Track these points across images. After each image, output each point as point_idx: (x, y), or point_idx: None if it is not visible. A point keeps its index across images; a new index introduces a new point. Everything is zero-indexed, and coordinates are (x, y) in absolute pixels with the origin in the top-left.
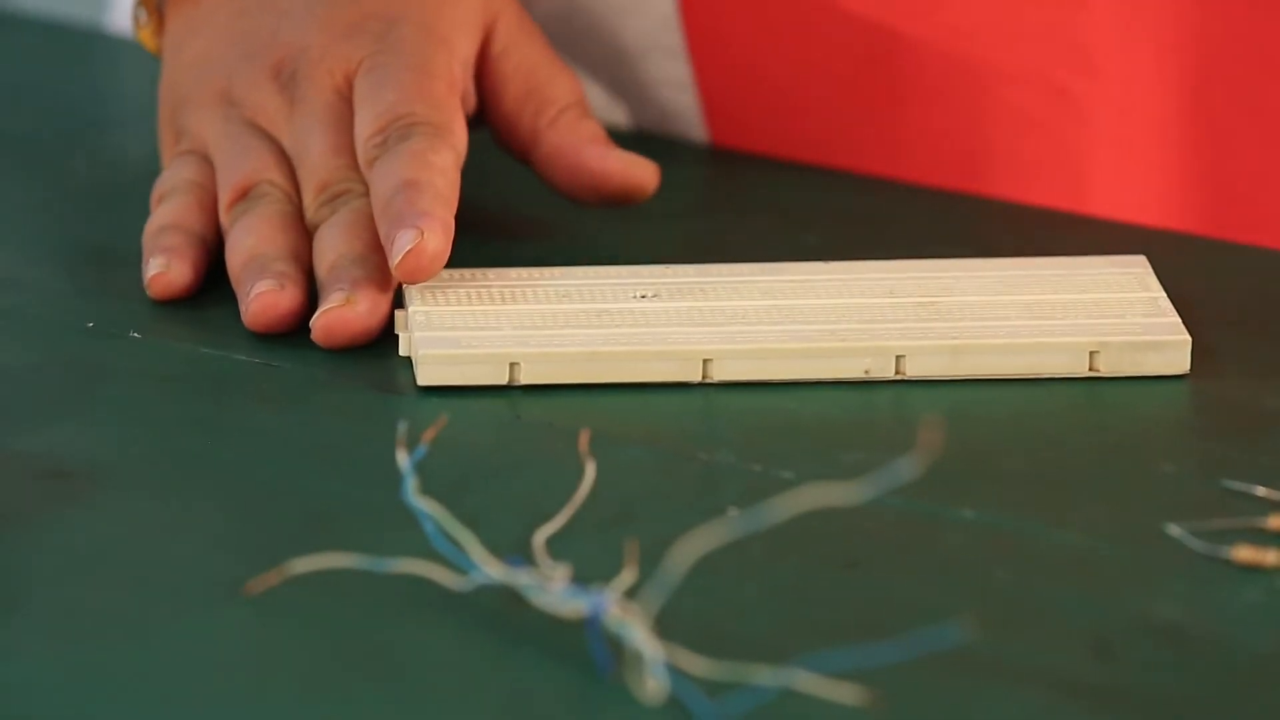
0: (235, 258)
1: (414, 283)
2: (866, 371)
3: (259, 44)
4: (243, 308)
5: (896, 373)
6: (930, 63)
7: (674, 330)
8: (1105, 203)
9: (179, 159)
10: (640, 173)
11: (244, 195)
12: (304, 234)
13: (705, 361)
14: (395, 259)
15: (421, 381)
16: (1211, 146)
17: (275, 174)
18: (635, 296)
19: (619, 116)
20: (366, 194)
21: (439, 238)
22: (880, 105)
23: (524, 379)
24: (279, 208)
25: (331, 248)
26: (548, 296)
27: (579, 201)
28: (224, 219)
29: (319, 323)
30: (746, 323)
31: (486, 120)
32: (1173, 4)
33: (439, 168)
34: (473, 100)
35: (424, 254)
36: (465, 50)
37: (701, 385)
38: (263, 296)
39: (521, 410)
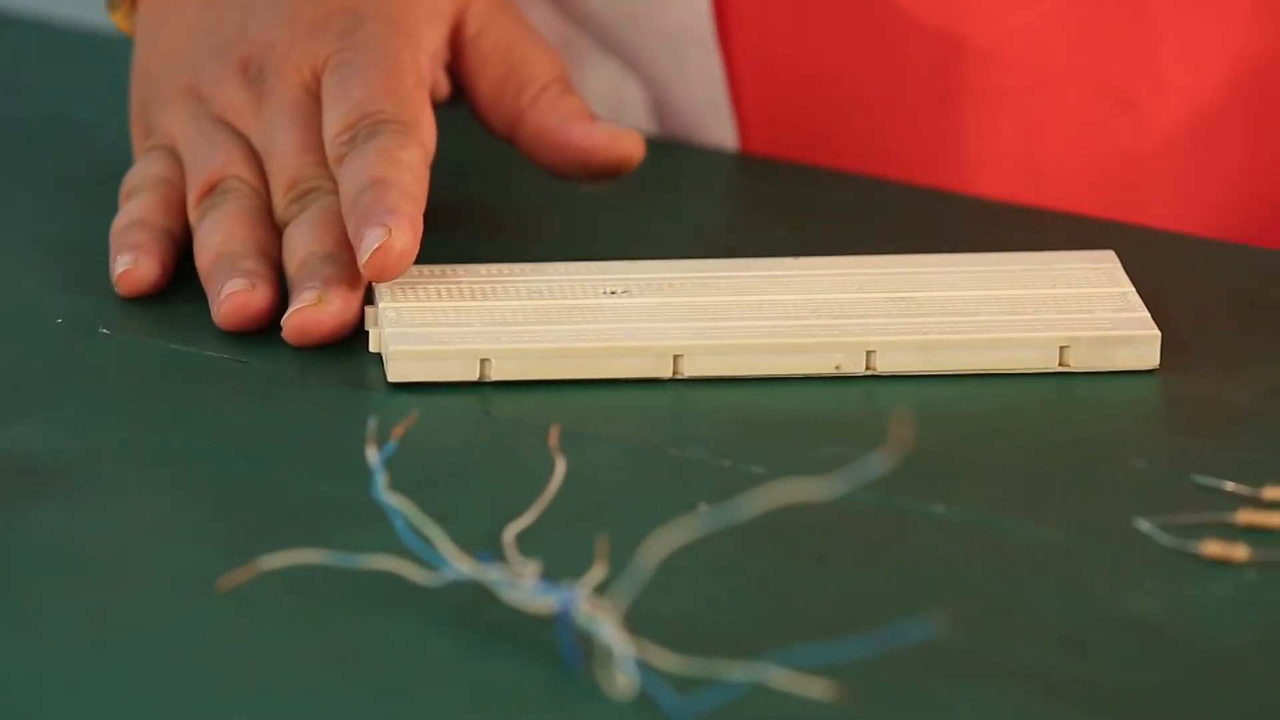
0: (204, 255)
1: (382, 280)
2: (837, 367)
3: (226, 39)
4: (214, 307)
5: (867, 368)
6: (987, 68)
7: (645, 326)
8: (1160, 214)
9: (148, 154)
10: (627, 144)
11: (211, 190)
12: (273, 229)
13: (676, 357)
14: (363, 257)
15: (392, 378)
16: (1272, 159)
17: (243, 170)
18: (606, 293)
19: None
20: (336, 191)
21: (407, 235)
22: (931, 112)
23: (495, 375)
24: (247, 203)
25: (302, 245)
26: (518, 293)
27: (566, 178)
28: (192, 215)
29: (291, 322)
30: (717, 318)
31: (469, 102)
32: (1236, 16)
33: (406, 165)
34: (444, 89)
35: (391, 252)
36: (432, 42)
37: (672, 381)
38: (234, 296)
39: (492, 406)
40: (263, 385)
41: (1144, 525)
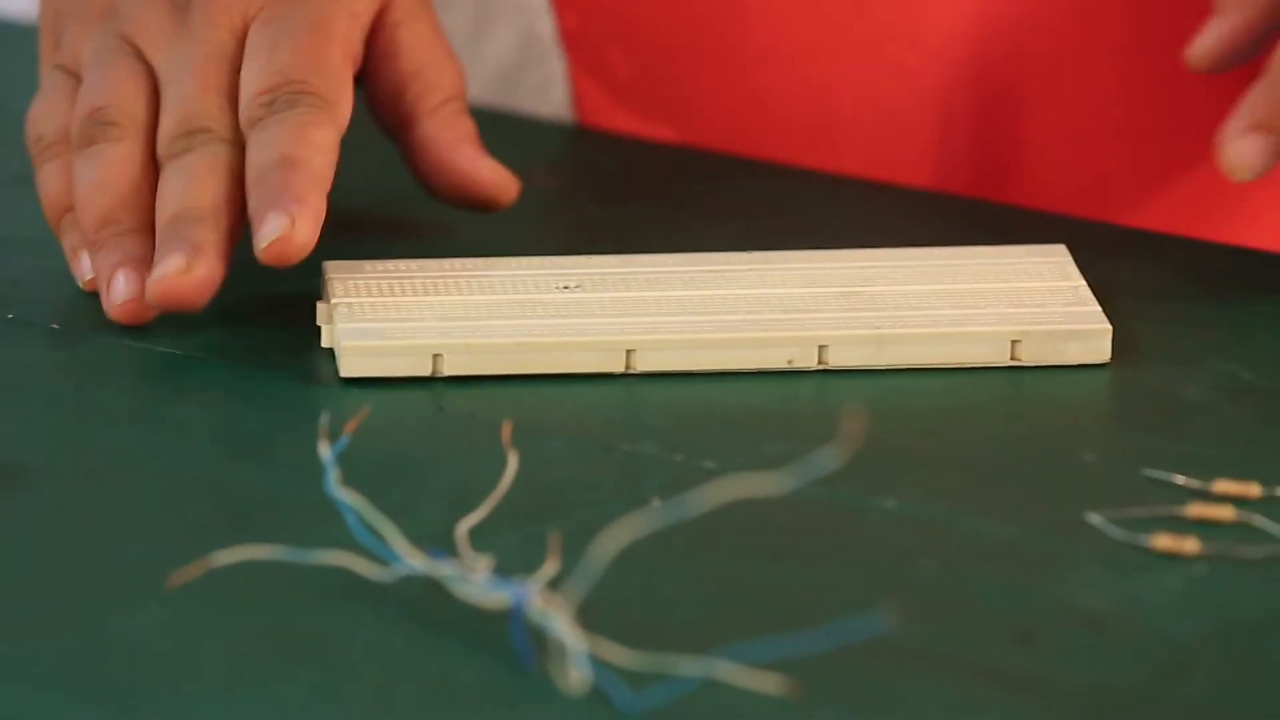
0: (85, 207)
1: (276, 267)
2: (790, 361)
3: None
4: (102, 289)
5: (819, 363)
6: (777, 32)
7: (597, 321)
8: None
9: (52, 80)
10: (502, 184)
11: (92, 116)
12: (149, 174)
13: (629, 352)
14: (263, 241)
15: (344, 373)
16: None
17: (133, 102)
18: (558, 288)
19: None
20: (229, 140)
21: (309, 226)
22: (728, 73)
23: (447, 370)
24: (127, 147)
25: (177, 196)
26: (470, 288)
27: (433, 194)
28: (74, 137)
29: (157, 287)
30: (669, 313)
31: (364, 85)
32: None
33: (319, 145)
34: (359, 65)
35: (292, 243)
36: (366, 15)
37: (624, 376)
38: (118, 300)
39: (444, 402)
40: (214, 381)
41: (1095, 519)
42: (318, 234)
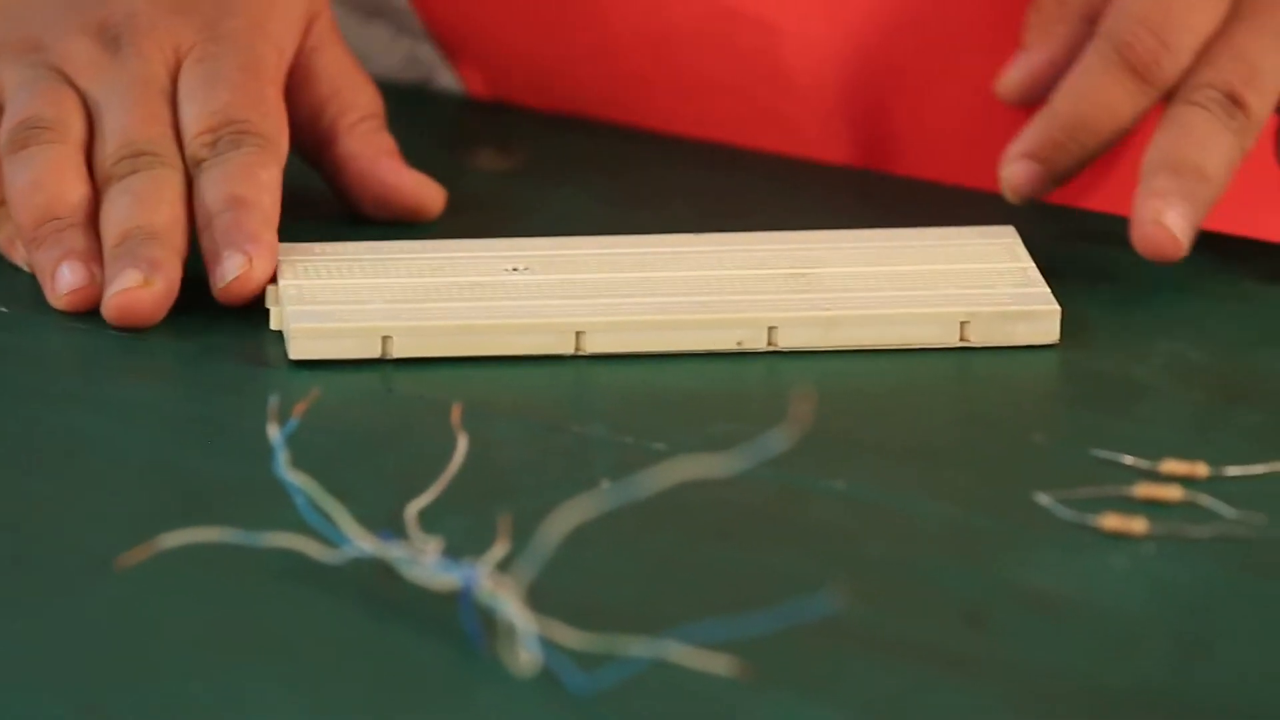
0: (23, 208)
1: (232, 304)
2: (739, 343)
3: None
4: (54, 281)
5: (769, 344)
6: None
7: (547, 303)
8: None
9: None
10: (428, 194)
11: (25, 123)
12: (86, 180)
13: (578, 334)
14: (221, 281)
15: (293, 355)
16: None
17: (68, 116)
18: (507, 270)
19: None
20: (172, 165)
21: (265, 264)
22: (597, 49)
23: (396, 353)
24: (61, 149)
25: (127, 217)
26: (420, 270)
27: (359, 210)
28: (4, 149)
29: (114, 302)
30: (618, 295)
31: None
32: None
33: (266, 184)
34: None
35: (251, 281)
36: (290, 48)
37: (574, 358)
38: (63, 291)
39: (393, 384)
40: (164, 364)
41: (1043, 500)
42: (272, 271)
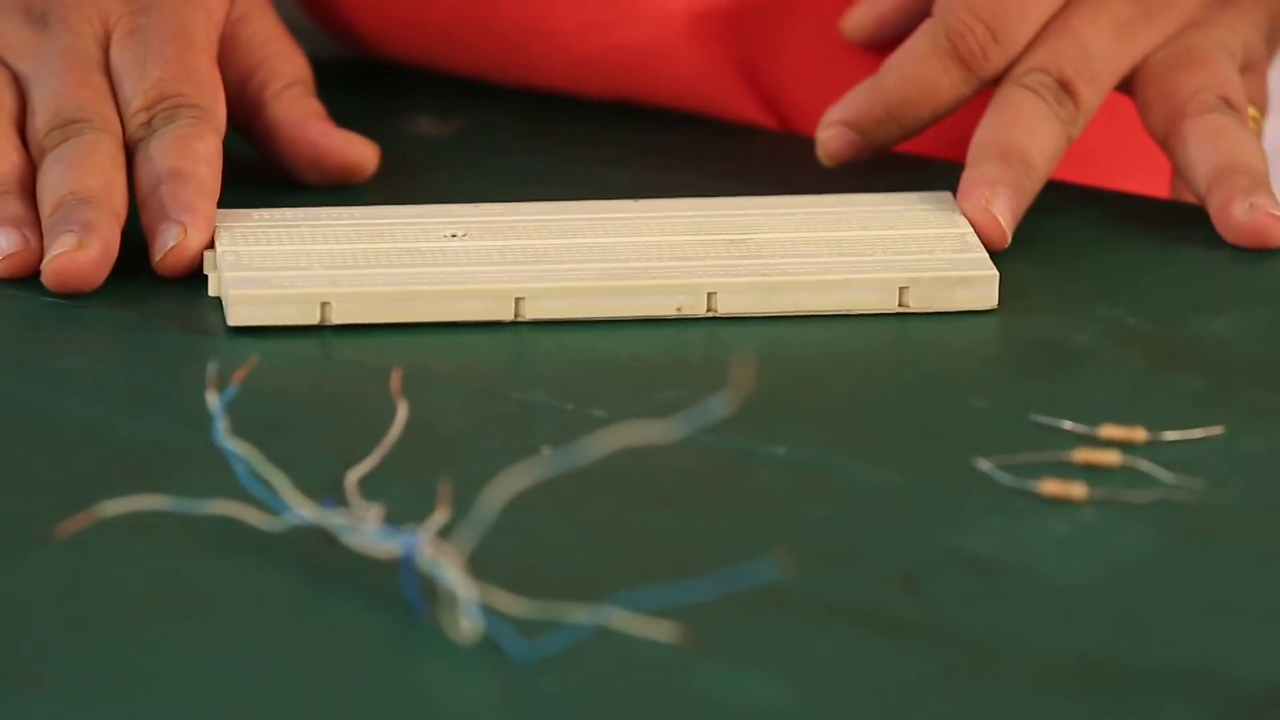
0: None
1: (172, 277)
2: (679, 309)
3: None
4: None
5: (708, 310)
6: None
7: (486, 269)
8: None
9: None
10: (360, 151)
11: None
12: (25, 152)
13: (518, 300)
14: (158, 253)
15: (232, 322)
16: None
17: (2, 96)
18: (446, 236)
19: None
20: (105, 129)
21: (201, 234)
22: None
23: (335, 319)
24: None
25: (60, 183)
26: (358, 236)
27: (295, 174)
28: None
29: (52, 267)
30: (558, 261)
31: None
32: None
33: (204, 156)
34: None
35: (186, 251)
36: (219, 13)
37: (514, 324)
38: (9, 259)
39: (333, 350)
40: (101, 331)
41: (983, 465)
42: (209, 240)
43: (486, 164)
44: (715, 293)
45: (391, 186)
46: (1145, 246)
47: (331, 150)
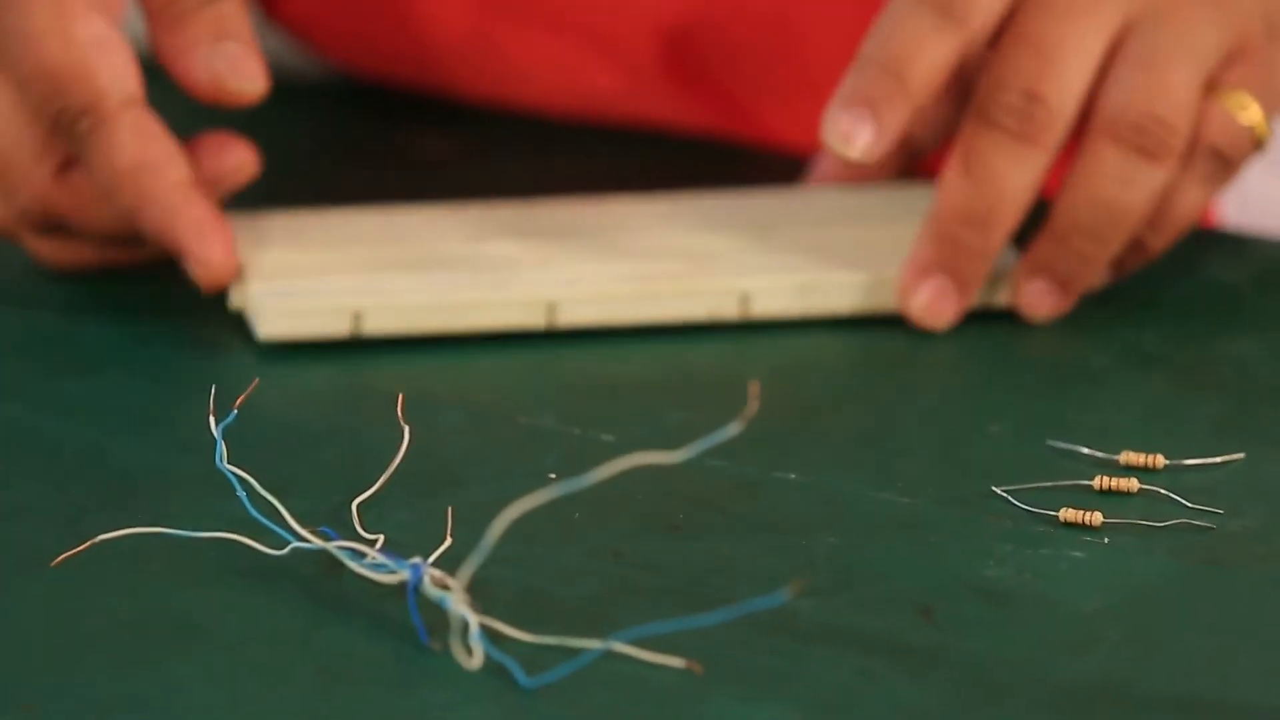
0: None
1: (212, 285)
2: (713, 312)
3: None
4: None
5: (742, 314)
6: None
7: (519, 276)
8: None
9: None
10: (238, 83)
11: None
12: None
13: (551, 306)
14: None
15: (262, 335)
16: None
17: None
18: (474, 240)
19: None
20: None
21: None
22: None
23: (369, 329)
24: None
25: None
26: (385, 239)
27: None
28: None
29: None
30: (591, 262)
31: None
32: None
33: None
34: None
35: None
36: None
37: (533, 338)
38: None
39: (338, 372)
40: (101, 352)
41: (1000, 491)
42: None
43: (489, 182)
44: (750, 296)
45: (399, 200)
46: (1165, 269)
47: (208, 87)
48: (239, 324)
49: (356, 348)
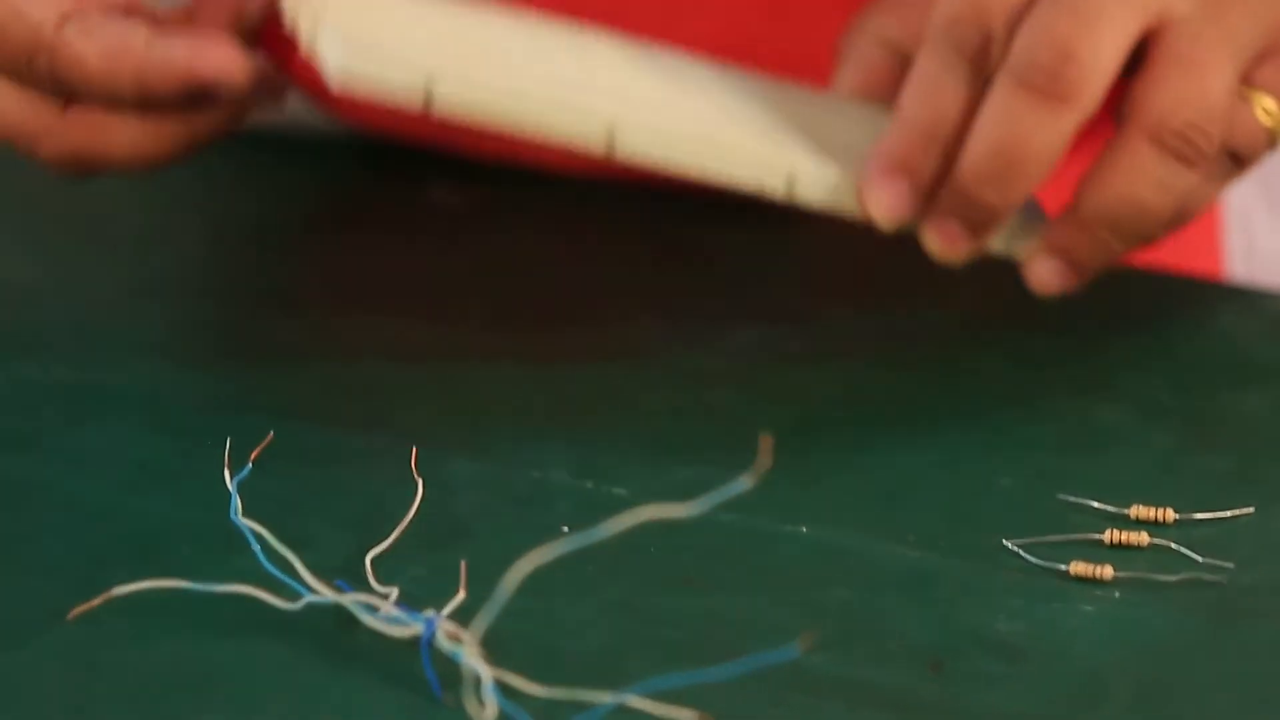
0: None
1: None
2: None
3: None
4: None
5: (788, 194)
6: None
7: (595, 76)
8: None
9: None
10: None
11: None
12: None
13: (612, 128)
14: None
15: (334, 73)
16: None
17: None
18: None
19: None
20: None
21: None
22: None
23: (438, 98)
24: None
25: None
26: (472, 9)
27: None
28: None
29: None
30: (661, 88)
31: None
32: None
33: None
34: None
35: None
36: None
37: (547, 388)
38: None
39: (351, 426)
40: (115, 407)
41: (1011, 545)
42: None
43: (503, 236)
44: (796, 178)
45: (420, 257)
46: (1176, 322)
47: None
48: (254, 378)
49: (365, 397)
